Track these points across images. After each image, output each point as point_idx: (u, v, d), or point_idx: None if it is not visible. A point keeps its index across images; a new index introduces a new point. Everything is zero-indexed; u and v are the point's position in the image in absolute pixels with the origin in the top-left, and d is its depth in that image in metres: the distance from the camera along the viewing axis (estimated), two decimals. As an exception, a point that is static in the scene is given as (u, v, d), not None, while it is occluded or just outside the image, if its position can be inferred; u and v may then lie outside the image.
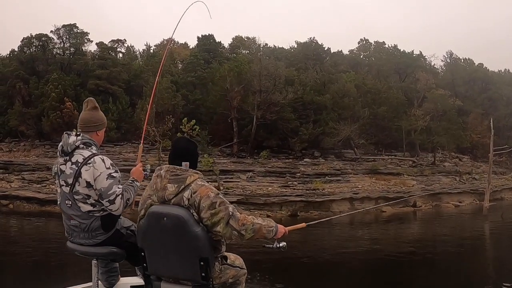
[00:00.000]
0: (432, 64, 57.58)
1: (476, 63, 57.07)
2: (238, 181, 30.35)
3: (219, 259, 3.43)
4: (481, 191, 32.69)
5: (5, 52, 47.27)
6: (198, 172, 3.37)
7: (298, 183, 31.25)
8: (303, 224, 4.12)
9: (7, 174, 29.51)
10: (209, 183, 3.35)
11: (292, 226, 3.80)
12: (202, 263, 3.19)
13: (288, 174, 32.41)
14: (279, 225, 3.50)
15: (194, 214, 3.21)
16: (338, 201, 29.44)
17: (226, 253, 3.49)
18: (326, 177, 32.74)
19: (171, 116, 33.28)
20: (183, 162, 3.35)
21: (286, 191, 29.35)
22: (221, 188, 27.90)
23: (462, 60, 57.87)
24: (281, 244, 3.58)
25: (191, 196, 3.20)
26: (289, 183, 31.10)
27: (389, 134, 39.97)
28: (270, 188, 29.68)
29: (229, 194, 27.00)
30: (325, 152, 37.11)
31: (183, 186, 3.23)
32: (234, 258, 3.55)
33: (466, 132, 43.25)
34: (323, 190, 30.32)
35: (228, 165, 32.58)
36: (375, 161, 37.01)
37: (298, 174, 32.54)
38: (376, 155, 39.50)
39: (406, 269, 13.68)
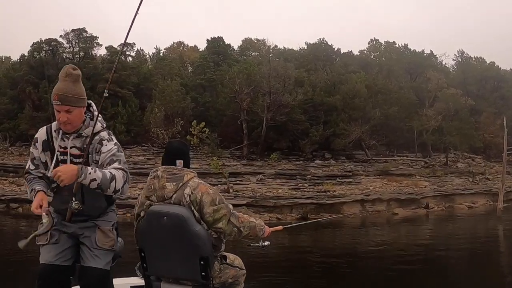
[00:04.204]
0: (443, 63, 57.33)
1: (488, 62, 56.64)
2: (248, 184, 30.18)
3: (219, 258, 3.46)
4: (495, 192, 32.28)
5: (15, 57, 47.59)
6: (193, 171, 3.42)
7: (309, 185, 31.01)
8: (280, 227, 4.33)
9: (17, 178, 29.58)
10: (219, 185, 3.38)
11: (273, 228, 3.95)
12: (202, 262, 3.23)
13: (299, 176, 32.19)
14: (265, 225, 3.68)
15: (195, 211, 3.25)
16: (349, 203, 29.13)
17: (225, 253, 3.53)
18: (337, 179, 32.46)
19: (180, 118, 33.28)
20: (177, 161, 3.40)
21: (296, 194, 29.14)
22: (231, 190, 27.78)
23: (474, 59, 57.46)
24: (265, 243, 3.81)
25: (191, 192, 3.25)
26: (299, 185, 30.88)
27: (401, 135, 39.65)
28: (280, 191, 29.49)
29: (238, 197, 26.85)
30: (336, 153, 36.88)
31: (181, 184, 3.27)
32: (233, 258, 3.59)
33: (478, 131, 42.82)
34: (334, 192, 30.04)
35: (238, 168, 32.44)
36: (387, 162, 36.70)
37: (309, 176, 32.30)
38: (388, 156, 39.23)
39: (418, 272, 13.42)
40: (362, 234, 22.98)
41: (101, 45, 41.70)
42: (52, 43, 39.56)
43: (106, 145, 3.23)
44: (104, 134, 3.30)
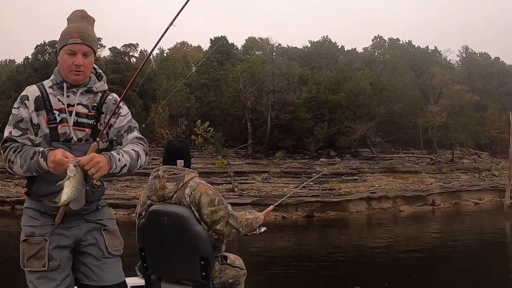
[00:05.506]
0: (448, 59, 57.10)
1: (493, 57, 56.41)
2: (253, 183, 30.16)
3: (219, 258, 3.44)
4: (501, 188, 32.10)
5: (19, 59, 47.75)
6: (194, 171, 3.41)
7: (314, 183, 30.89)
8: (271, 207, 4.33)
9: (22, 180, 29.66)
10: (224, 185, 3.33)
11: (264, 211, 3.94)
12: (202, 262, 3.20)
13: (304, 174, 32.08)
14: (258, 213, 3.68)
15: (195, 211, 3.24)
16: (355, 201, 29.09)
17: (225, 253, 3.51)
18: (343, 176, 32.37)
19: (184, 118, 33.29)
20: (177, 160, 3.37)
21: (301, 192, 29.02)
22: (236, 189, 27.74)
23: (478, 54, 57.24)
24: (262, 230, 3.72)
25: (191, 193, 3.24)
26: (304, 183, 30.75)
27: (406, 132, 39.55)
28: (285, 189, 29.36)
29: (244, 196, 26.83)
30: (341, 151, 36.77)
31: (181, 184, 3.26)
32: (233, 258, 3.56)
33: (484, 127, 42.63)
34: (340, 190, 29.96)
35: (243, 167, 32.42)
36: (392, 160, 36.57)
37: (314, 174, 32.16)
38: (393, 153, 39.08)
39: (424, 269, 13.38)
40: (368, 231, 22.96)
41: (104, 46, 41.76)
42: (56, 45, 39.64)
43: (122, 108, 2.72)
44: (115, 95, 2.79)
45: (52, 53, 39.96)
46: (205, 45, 54.58)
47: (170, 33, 2.75)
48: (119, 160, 2.42)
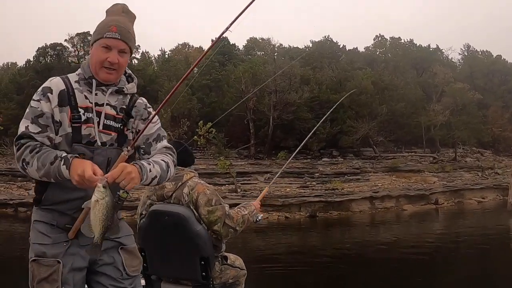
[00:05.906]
0: (450, 57, 57.07)
1: (495, 55, 56.41)
2: (256, 183, 30.09)
3: (219, 259, 3.46)
4: (505, 186, 32.00)
5: (21, 62, 47.82)
6: (194, 171, 3.46)
7: (317, 183, 30.91)
8: (266, 189, 4.36)
9: (25, 182, 29.68)
10: (227, 185, 3.34)
11: (259, 197, 3.99)
12: (202, 262, 3.22)
13: (307, 174, 32.08)
14: (253, 203, 3.68)
15: (194, 211, 3.27)
16: (358, 200, 28.99)
17: (226, 253, 3.54)
18: (345, 176, 32.34)
19: (186, 119, 33.29)
20: None
21: (304, 192, 29.02)
22: (239, 190, 27.71)
23: (480, 53, 57.24)
24: (259, 218, 3.72)
25: (189, 192, 3.28)
26: (307, 183, 30.77)
27: (408, 131, 39.48)
28: (288, 189, 29.38)
29: (246, 196, 26.74)
30: (344, 151, 36.73)
31: (180, 183, 3.31)
32: (234, 258, 3.59)
33: (486, 125, 42.57)
34: (343, 189, 29.89)
35: (245, 167, 32.38)
36: (395, 159, 36.51)
37: (317, 174, 32.20)
38: (396, 153, 39.02)
39: (426, 267, 13.31)
40: (371, 230, 22.91)
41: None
42: (57, 47, 39.83)
43: (152, 113, 2.51)
44: (145, 100, 2.56)
45: (54, 56, 40.06)
46: (207, 46, 54.49)
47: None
48: (150, 171, 2.20)
